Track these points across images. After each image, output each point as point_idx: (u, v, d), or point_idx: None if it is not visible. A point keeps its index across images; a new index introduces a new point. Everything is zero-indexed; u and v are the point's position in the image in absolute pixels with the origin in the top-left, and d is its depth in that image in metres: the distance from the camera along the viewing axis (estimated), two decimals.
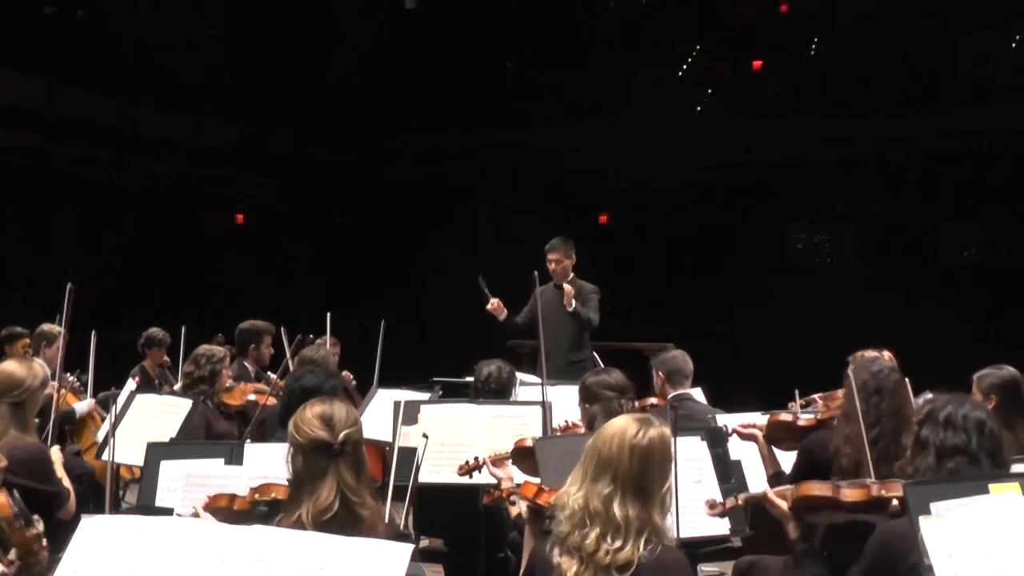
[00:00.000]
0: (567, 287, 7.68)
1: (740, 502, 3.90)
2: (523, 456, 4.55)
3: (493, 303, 7.68)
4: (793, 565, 3.76)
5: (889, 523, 3.31)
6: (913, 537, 2.77)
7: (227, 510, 3.42)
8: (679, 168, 14.81)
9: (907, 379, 4.28)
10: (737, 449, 4.79)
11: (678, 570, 2.97)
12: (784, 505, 3.72)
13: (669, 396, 5.75)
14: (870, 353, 4.52)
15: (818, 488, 3.67)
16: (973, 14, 13.24)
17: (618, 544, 2.89)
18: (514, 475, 4.51)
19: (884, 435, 4.06)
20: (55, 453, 4.81)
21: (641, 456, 2.95)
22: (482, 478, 4.68)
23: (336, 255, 15.90)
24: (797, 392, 5.50)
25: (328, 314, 7.20)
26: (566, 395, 5.53)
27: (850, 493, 3.61)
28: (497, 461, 4.53)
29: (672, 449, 3.04)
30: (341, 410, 3.05)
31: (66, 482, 4.63)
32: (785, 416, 4.85)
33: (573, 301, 7.63)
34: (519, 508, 3.86)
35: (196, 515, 3.42)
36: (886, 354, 4.46)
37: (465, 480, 4.76)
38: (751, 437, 4.72)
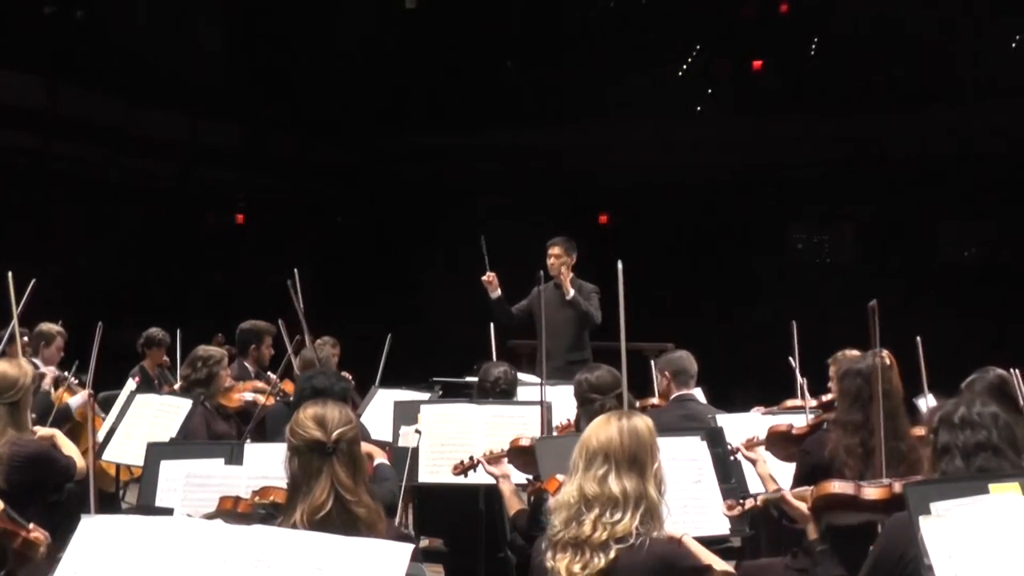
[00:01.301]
0: (564, 275, 7.63)
1: (760, 503, 3.91)
2: (519, 454, 4.54)
3: (488, 276, 7.68)
4: (812, 566, 3.75)
5: (895, 515, 3.31)
6: (914, 530, 2.77)
7: (231, 512, 3.42)
8: (679, 168, 14.79)
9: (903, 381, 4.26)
10: None
11: (676, 560, 2.97)
12: (804, 507, 3.71)
13: (673, 396, 5.74)
14: (852, 352, 4.48)
15: (840, 486, 3.68)
16: (973, 14, 13.25)
17: (616, 517, 2.93)
18: (511, 473, 4.51)
19: (886, 439, 4.04)
20: (52, 432, 4.86)
21: (631, 433, 3.04)
22: (478, 477, 4.67)
23: (336, 255, 15.89)
24: (805, 384, 5.47)
25: (295, 270, 6.83)
26: (566, 395, 5.52)
27: (872, 491, 3.62)
28: (493, 460, 4.51)
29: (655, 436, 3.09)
30: (334, 410, 3.05)
31: (73, 454, 4.68)
32: (781, 427, 4.87)
33: (571, 289, 7.61)
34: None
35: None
36: (884, 353, 4.43)
37: (465, 480, 4.75)
38: (751, 460, 4.75)
